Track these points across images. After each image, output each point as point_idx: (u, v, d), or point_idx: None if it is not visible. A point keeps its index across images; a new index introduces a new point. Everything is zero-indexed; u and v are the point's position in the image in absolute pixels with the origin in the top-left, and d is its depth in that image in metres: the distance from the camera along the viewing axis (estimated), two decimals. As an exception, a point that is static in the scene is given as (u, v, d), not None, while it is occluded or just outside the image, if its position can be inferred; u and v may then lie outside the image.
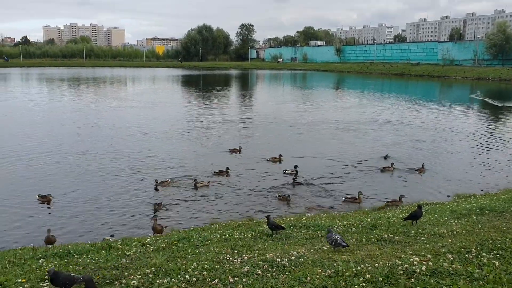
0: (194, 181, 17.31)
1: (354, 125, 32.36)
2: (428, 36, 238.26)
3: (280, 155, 21.54)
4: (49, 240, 8.75)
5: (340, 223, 9.58)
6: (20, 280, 6.03)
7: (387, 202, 15.11)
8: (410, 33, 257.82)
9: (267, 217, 9.14)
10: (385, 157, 22.06)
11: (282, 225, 9.28)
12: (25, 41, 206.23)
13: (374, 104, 46.76)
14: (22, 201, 15.39)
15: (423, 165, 19.84)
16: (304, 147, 24.64)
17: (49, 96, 54.32)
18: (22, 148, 23.46)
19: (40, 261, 7.54)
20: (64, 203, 15.20)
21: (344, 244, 7.09)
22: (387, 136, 28.04)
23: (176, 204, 15.22)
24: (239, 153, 23.06)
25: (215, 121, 34.08)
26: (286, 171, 19.05)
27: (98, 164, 20.50)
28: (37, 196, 15.19)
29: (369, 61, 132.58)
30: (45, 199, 15.02)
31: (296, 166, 19.06)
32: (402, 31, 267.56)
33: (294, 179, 18.58)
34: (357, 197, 15.41)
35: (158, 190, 16.63)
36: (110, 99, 49.05)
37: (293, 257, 6.39)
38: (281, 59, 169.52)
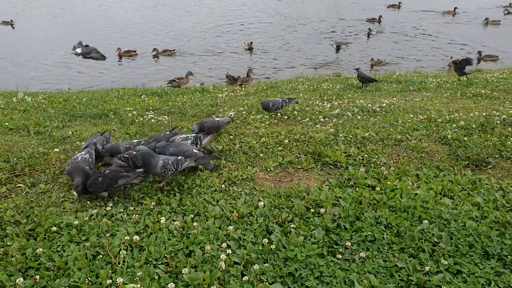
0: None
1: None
2: None
3: None
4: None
5: (433, 80, 9.21)
6: (128, 108, 6.64)
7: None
8: None
9: (357, 69, 8.99)
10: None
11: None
12: None
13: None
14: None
15: None
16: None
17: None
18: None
19: (142, 97, 8.19)
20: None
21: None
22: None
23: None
24: (399, 8, 22.87)
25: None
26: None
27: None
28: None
29: None
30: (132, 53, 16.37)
31: (380, 16, 19.79)
32: None
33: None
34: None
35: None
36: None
37: (384, 104, 6.38)
38: None
